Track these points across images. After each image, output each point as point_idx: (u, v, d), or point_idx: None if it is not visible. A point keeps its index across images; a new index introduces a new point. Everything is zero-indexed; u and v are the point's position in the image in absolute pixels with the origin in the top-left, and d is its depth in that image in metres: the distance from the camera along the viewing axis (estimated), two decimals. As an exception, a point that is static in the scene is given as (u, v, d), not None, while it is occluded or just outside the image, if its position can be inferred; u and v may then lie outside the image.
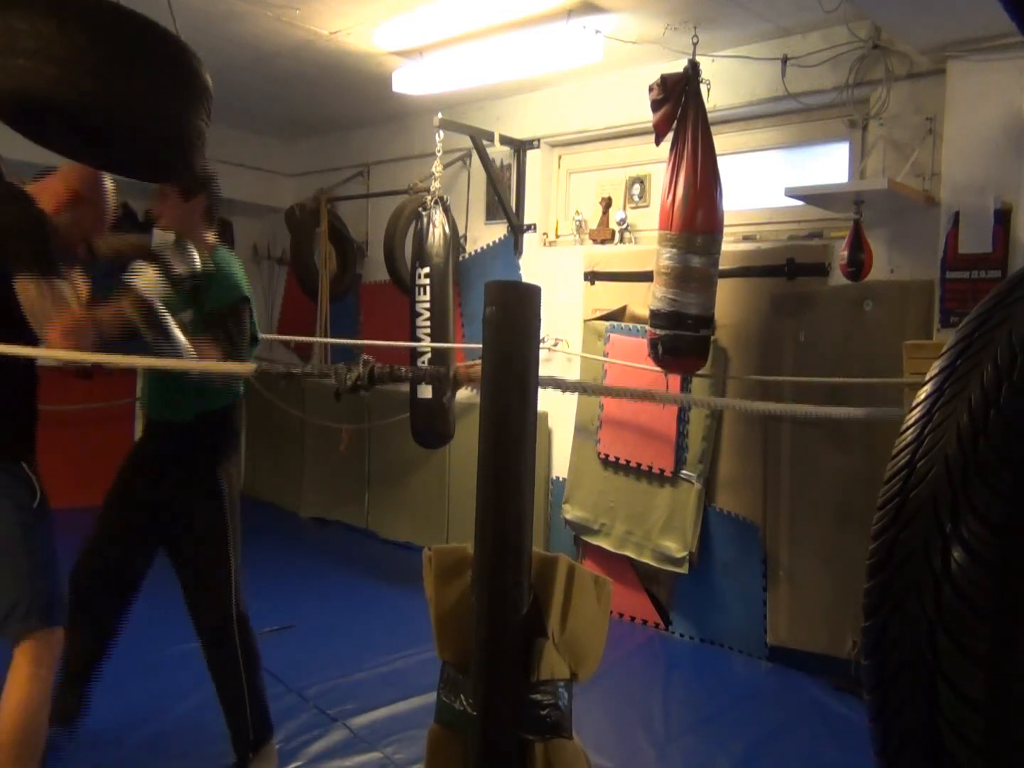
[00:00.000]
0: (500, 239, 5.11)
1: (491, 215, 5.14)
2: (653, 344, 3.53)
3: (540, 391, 1.18)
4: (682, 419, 4.09)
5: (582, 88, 4.64)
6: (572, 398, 4.52)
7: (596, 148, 4.82)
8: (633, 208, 4.58)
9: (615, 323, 4.42)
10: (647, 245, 4.29)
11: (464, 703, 1.17)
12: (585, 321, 4.58)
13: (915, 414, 0.90)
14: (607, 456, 4.39)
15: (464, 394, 4.43)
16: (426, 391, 4.32)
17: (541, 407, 2.18)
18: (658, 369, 3.65)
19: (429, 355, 4.36)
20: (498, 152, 5.01)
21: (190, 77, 2.12)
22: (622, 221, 4.53)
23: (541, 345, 1.44)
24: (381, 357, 1.57)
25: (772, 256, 3.91)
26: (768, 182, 4.10)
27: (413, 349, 4.41)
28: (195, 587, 2.60)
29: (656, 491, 4.18)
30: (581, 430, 4.56)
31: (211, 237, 2.62)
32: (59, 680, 2.34)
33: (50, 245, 2.09)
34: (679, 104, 3.55)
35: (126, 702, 3.09)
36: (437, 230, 4.32)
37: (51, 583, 2.18)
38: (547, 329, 4.59)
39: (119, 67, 1.96)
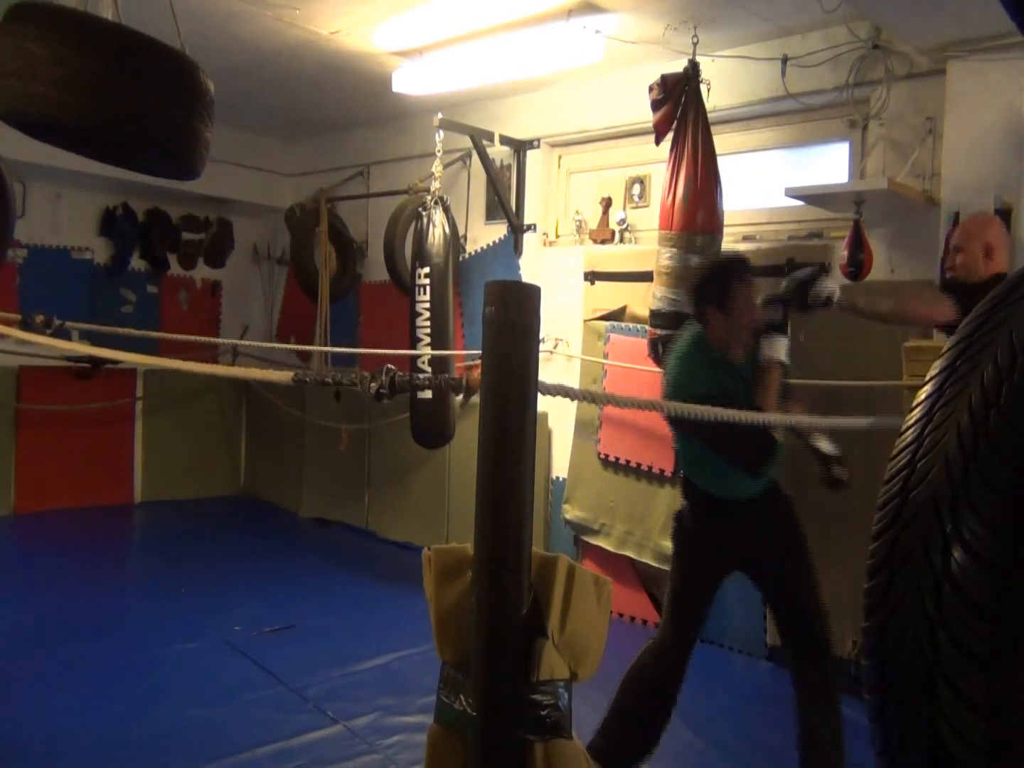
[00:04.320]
0: (500, 239, 5.11)
1: (491, 215, 5.14)
2: (653, 344, 3.54)
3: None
4: (682, 419, 4.08)
5: (582, 88, 4.64)
6: (572, 398, 4.51)
7: (596, 148, 4.81)
8: (633, 208, 4.58)
9: (615, 323, 4.42)
10: (647, 245, 4.28)
11: (464, 703, 1.17)
12: (585, 321, 4.58)
13: (915, 414, 0.90)
14: (607, 456, 4.39)
15: (464, 394, 4.42)
16: (426, 392, 4.31)
17: (541, 407, 2.16)
18: (658, 369, 3.64)
19: (429, 356, 4.35)
20: (498, 152, 5.00)
21: (196, 90, 2.24)
22: (622, 221, 4.53)
23: (541, 346, 1.44)
24: (382, 362, 1.57)
25: (772, 256, 3.90)
26: (768, 182, 4.10)
27: (413, 358, 4.39)
28: None
29: (656, 491, 4.17)
30: (581, 430, 4.56)
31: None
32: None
33: None
34: (679, 104, 3.55)
35: (125, 701, 3.10)
36: (437, 230, 4.32)
37: None
38: (547, 329, 4.59)
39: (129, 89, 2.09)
